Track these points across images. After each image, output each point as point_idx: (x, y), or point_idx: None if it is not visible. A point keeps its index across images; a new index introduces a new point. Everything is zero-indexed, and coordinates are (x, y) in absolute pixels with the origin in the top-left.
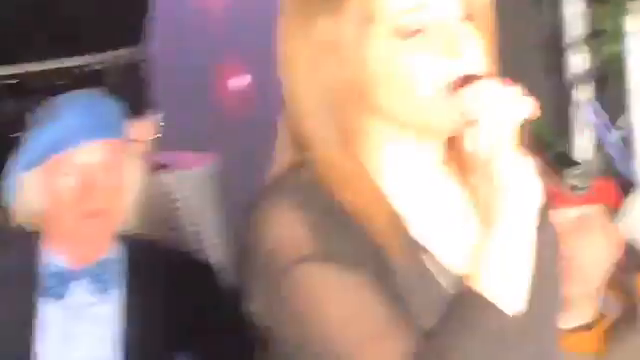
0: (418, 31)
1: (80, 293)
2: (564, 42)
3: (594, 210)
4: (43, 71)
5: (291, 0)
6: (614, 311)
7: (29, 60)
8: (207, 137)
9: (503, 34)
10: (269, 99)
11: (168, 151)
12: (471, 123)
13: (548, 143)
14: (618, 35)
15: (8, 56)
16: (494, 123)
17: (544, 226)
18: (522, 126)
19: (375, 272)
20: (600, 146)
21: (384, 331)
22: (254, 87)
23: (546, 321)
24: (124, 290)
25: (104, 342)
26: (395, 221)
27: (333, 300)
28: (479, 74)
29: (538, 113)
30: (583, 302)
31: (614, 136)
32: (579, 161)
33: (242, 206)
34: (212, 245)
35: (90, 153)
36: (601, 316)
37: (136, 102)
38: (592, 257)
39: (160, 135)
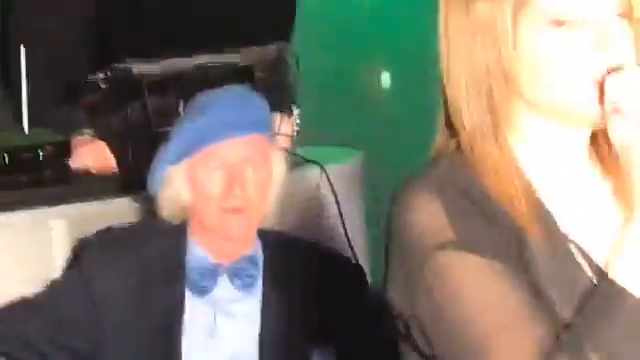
0: (572, 22)
1: (224, 289)
2: None
3: None
4: (190, 67)
5: None
6: None
7: (177, 56)
8: (352, 134)
9: None
10: (411, 98)
11: (313, 146)
12: (616, 112)
13: None
14: None
15: (156, 52)
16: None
17: None
18: None
19: (515, 261)
20: None
21: (521, 320)
22: (397, 86)
23: None
24: (266, 287)
25: (246, 338)
26: (539, 209)
27: (472, 287)
28: (627, 66)
29: None
30: None
31: None
32: None
33: (385, 203)
34: (356, 242)
35: (237, 148)
36: None
37: (282, 98)
38: None
39: (301, 130)
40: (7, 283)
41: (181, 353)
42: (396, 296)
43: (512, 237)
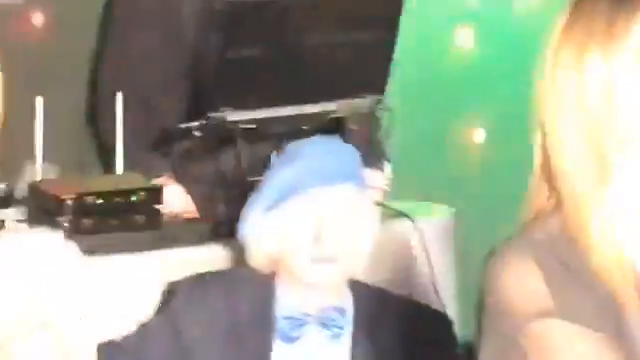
0: None
1: (312, 338)
2: None
3: None
4: (282, 117)
5: (563, 37)
6: None
7: (270, 105)
8: (444, 189)
9: None
10: (505, 155)
11: (405, 200)
12: None
13: None
14: None
15: (247, 101)
16: None
17: None
18: None
19: (614, 334)
20: None
21: None
22: (491, 142)
23: None
24: (354, 338)
25: None
26: (637, 282)
27: (572, 358)
28: None
29: None
30: None
31: None
32: None
33: (476, 261)
34: (447, 297)
35: (328, 197)
36: None
37: (373, 151)
38: None
39: (392, 184)
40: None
41: None
42: None
43: (610, 310)
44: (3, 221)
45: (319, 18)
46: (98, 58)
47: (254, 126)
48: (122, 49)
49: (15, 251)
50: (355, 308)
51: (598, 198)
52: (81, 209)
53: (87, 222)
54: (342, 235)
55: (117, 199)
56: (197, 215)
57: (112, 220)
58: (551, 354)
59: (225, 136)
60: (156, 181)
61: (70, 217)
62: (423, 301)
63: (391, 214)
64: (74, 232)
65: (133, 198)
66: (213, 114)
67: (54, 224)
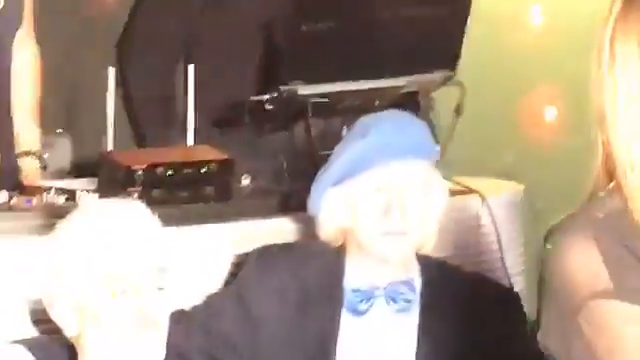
0: None
1: (380, 312)
2: None
3: None
4: (355, 91)
5: (619, 27)
6: None
7: (341, 79)
8: (514, 166)
9: None
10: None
11: (475, 177)
12: None
13: None
14: None
15: (320, 75)
16: None
17: None
18: None
19: None
20: None
21: None
22: (559, 119)
23: None
24: (422, 312)
25: None
26: None
27: (631, 340)
28: None
29: None
30: None
31: None
32: None
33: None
34: (515, 274)
35: (398, 172)
36: None
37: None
38: None
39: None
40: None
41: None
42: (550, 339)
43: None
44: (74, 191)
45: None
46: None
47: (325, 100)
48: (195, 21)
49: (97, 219)
50: (423, 282)
51: None
52: (151, 180)
53: (157, 193)
54: (411, 210)
55: (187, 170)
56: None
57: (182, 191)
58: (608, 335)
59: (296, 109)
60: None
61: (140, 188)
62: (491, 277)
63: (461, 190)
64: (144, 203)
65: (203, 170)
66: (285, 87)
67: (124, 195)
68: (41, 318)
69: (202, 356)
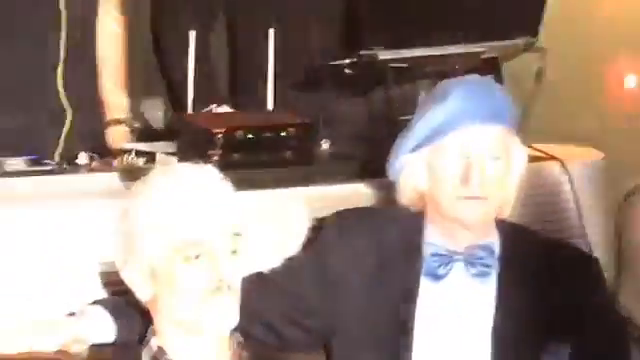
0: None
1: (459, 276)
2: None
3: None
4: (435, 56)
5: None
6: None
7: (421, 45)
8: (594, 133)
9: None
10: None
11: (556, 143)
12: None
13: None
14: None
15: (400, 40)
16: None
17: None
18: None
19: None
20: None
21: None
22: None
23: None
24: (501, 277)
25: (479, 327)
26: None
27: None
28: None
29: None
30: None
31: None
32: None
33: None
34: (594, 241)
35: (477, 138)
36: None
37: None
38: None
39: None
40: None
41: (413, 336)
42: (628, 302)
43: None
44: (154, 154)
45: None
46: None
47: (405, 65)
48: None
49: (173, 183)
50: (502, 247)
51: None
52: (231, 143)
53: (237, 157)
54: (490, 175)
55: (267, 134)
56: None
57: (261, 155)
58: None
59: (376, 75)
60: None
61: (220, 151)
62: (571, 243)
63: (540, 157)
64: (224, 166)
65: (283, 134)
66: (365, 52)
67: (204, 158)
68: (112, 280)
69: (281, 320)
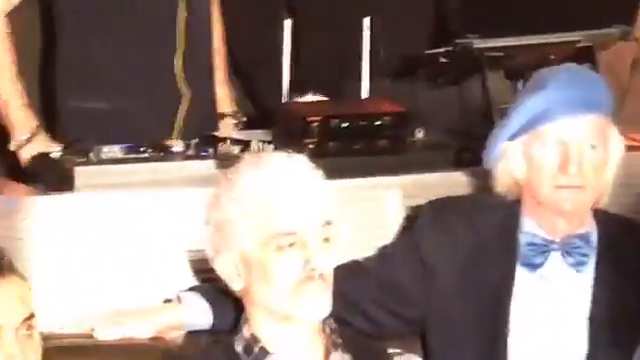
0: None
1: (556, 265)
2: None
3: None
4: (530, 45)
5: None
6: None
7: (517, 34)
8: None
9: None
10: None
11: None
12: None
13: None
14: None
15: (496, 29)
16: None
17: None
18: None
19: None
20: None
21: None
22: None
23: None
24: (599, 267)
25: (575, 316)
26: None
27: None
28: None
29: None
30: None
31: None
32: None
33: None
34: None
35: (575, 127)
36: None
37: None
38: None
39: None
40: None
41: (509, 325)
42: None
43: None
44: (249, 142)
45: None
46: None
47: (501, 54)
48: None
49: (267, 172)
50: (600, 237)
51: None
52: (327, 132)
53: (332, 145)
54: (588, 164)
55: (362, 123)
56: None
57: (356, 144)
58: None
59: (471, 63)
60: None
61: (316, 139)
62: None
63: (637, 146)
64: (319, 154)
65: (378, 122)
66: (460, 41)
67: (299, 146)
68: (201, 268)
69: (376, 307)
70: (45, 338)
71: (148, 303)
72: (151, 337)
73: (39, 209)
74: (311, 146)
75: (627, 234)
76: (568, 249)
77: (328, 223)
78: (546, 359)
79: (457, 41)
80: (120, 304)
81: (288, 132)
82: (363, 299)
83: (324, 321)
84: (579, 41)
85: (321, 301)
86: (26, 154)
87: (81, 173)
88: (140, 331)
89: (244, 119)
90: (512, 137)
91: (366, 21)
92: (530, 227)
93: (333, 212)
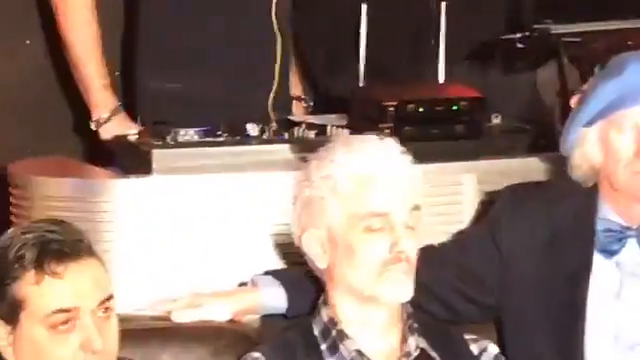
0: None
1: (633, 252)
2: None
3: None
4: (608, 31)
5: None
6: None
7: (594, 19)
8: None
9: None
10: None
11: None
12: None
13: None
14: None
15: (573, 14)
16: None
17: None
18: None
19: None
20: None
21: None
22: None
23: None
24: None
25: None
26: None
27: None
28: None
29: None
30: None
31: None
32: None
33: None
34: None
35: None
36: None
37: None
38: None
39: None
40: None
41: (586, 312)
42: None
43: None
44: (324, 126)
45: None
46: None
47: (578, 39)
48: None
49: (358, 155)
50: None
51: None
52: (403, 116)
53: (408, 130)
54: None
55: (439, 108)
56: None
57: (433, 129)
58: None
59: (548, 49)
60: None
61: (392, 124)
62: None
63: None
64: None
65: (455, 107)
66: (537, 26)
67: (375, 130)
68: (287, 251)
69: (455, 295)
70: (123, 320)
71: (224, 287)
72: (228, 320)
73: (119, 192)
74: (387, 131)
75: None
76: None
77: (416, 207)
78: (622, 346)
79: (534, 26)
80: (196, 287)
81: (364, 117)
82: (441, 287)
83: (402, 305)
84: None
85: (405, 283)
86: (105, 134)
87: (158, 156)
88: (217, 314)
89: (312, 103)
90: (588, 123)
91: (443, 5)
92: (607, 213)
93: (420, 197)
